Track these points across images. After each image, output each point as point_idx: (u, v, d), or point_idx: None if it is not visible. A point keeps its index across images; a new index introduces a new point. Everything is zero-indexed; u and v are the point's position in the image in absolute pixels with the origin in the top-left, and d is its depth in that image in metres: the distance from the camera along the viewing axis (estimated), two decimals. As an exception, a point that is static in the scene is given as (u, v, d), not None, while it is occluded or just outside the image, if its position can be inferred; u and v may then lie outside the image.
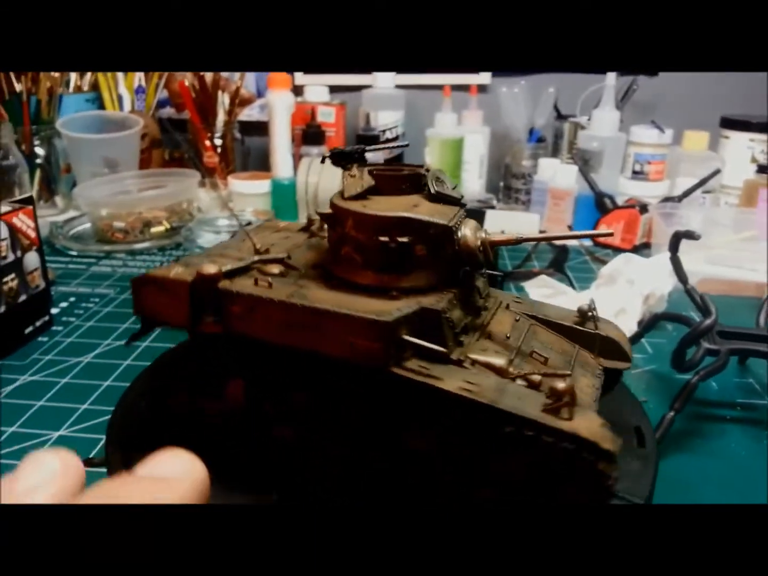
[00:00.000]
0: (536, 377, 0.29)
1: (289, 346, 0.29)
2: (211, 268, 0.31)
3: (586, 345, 0.36)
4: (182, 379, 0.35)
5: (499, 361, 0.30)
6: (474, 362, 0.30)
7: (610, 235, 0.34)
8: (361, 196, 0.33)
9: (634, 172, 1.07)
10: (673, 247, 0.52)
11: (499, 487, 0.28)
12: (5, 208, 0.61)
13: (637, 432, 0.36)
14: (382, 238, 0.31)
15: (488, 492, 0.28)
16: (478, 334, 0.33)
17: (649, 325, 0.57)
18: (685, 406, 0.48)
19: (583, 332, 0.36)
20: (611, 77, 0.98)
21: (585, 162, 0.97)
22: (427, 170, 0.35)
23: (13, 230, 0.60)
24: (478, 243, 0.32)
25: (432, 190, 0.33)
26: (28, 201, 0.64)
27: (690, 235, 0.49)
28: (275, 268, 0.34)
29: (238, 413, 0.33)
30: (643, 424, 0.37)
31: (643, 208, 0.92)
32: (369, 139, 1.10)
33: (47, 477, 0.19)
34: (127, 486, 0.20)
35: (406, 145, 0.41)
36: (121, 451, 0.34)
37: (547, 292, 0.65)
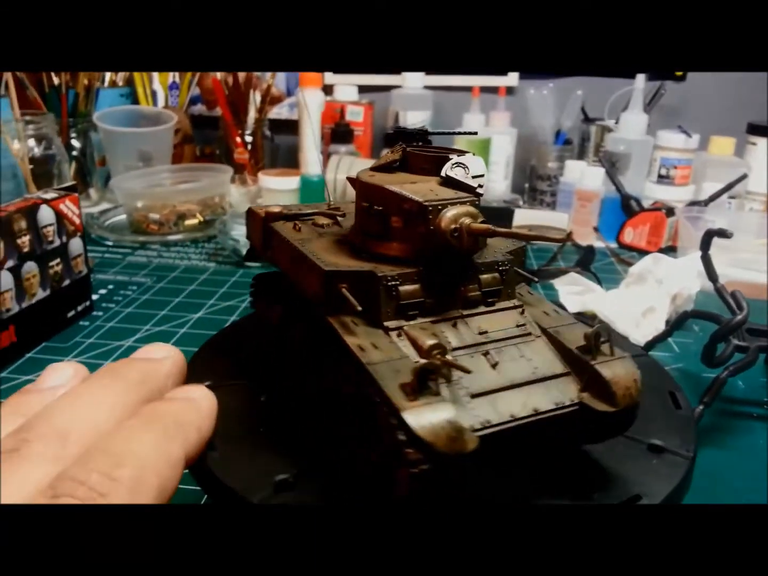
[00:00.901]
0: (436, 362, 0.29)
1: (293, 280, 0.35)
2: (275, 209, 0.37)
3: (582, 373, 0.32)
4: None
5: (427, 341, 0.30)
6: (402, 334, 0.32)
7: (568, 236, 0.33)
8: (384, 169, 0.35)
9: (660, 176, 1.07)
10: (705, 245, 0.53)
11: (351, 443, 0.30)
12: (52, 195, 0.63)
13: (672, 396, 0.38)
14: (365, 204, 0.33)
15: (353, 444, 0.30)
16: (452, 322, 0.33)
17: (678, 322, 0.58)
18: (714, 401, 0.49)
19: (578, 359, 0.32)
20: (640, 80, 0.99)
21: (612, 164, 0.98)
22: (460, 155, 0.35)
23: (60, 216, 0.62)
24: (452, 227, 0.32)
25: (443, 173, 0.34)
26: (72, 189, 0.66)
27: (722, 233, 0.50)
28: (323, 221, 0.37)
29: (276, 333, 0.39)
30: (676, 389, 0.38)
31: (670, 212, 0.92)
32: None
33: (65, 379, 0.24)
34: (121, 367, 0.25)
35: (475, 133, 0.42)
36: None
37: (576, 289, 0.66)
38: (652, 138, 1.03)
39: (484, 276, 0.35)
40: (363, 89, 1.20)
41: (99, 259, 0.83)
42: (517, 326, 0.34)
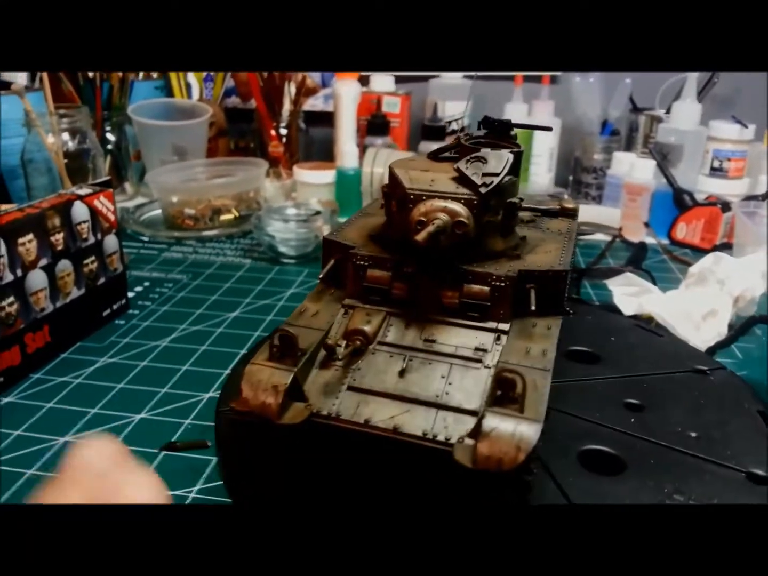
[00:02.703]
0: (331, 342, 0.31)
1: None
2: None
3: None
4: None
5: (356, 325, 0.32)
6: (348, 313, 0.34)
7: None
8: (436, 154, 0.37)
9: (713, 169, 1.02)
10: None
11: None
12: (86, 191, 0.61)
13: (763, 416, 0.36)
14: (383, 186, 0.36)
15: None
16: (408, 321, 0.33)
17: (745, 327, 0.55)
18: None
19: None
20: (693, 69, 0.94)
21: (663, 156, 0.93)
22: (494, 149, 0.34)
23: (94, 213, 0.61)
24: (417, 219, 0.32)
25: (456, 165, 0.33)
26: (107, 184, 0.64)
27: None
28: None
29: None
30: (767, 408, 0.36)
31: (725, 206, 0.88)
32: (435, 129, 1.08)
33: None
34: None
35: (549, 128, 0.41)
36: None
37: (631, 290, 0.62)
38: (706, 129, 0.98)
39: (471, 286, 0.32)
40: (400, 79, 1.17)
41: (135, 255, 0.82)
42: (475, 349, 0.31)
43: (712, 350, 0.56)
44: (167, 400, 0.50)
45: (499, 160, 0.33)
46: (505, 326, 0.32)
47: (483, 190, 0.32)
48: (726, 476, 0.30)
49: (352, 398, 0.29)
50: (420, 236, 0.30)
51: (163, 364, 0.56)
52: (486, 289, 0.32)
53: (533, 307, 0.31)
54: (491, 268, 0.32)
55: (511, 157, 0.33)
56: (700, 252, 0.85)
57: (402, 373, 0.30)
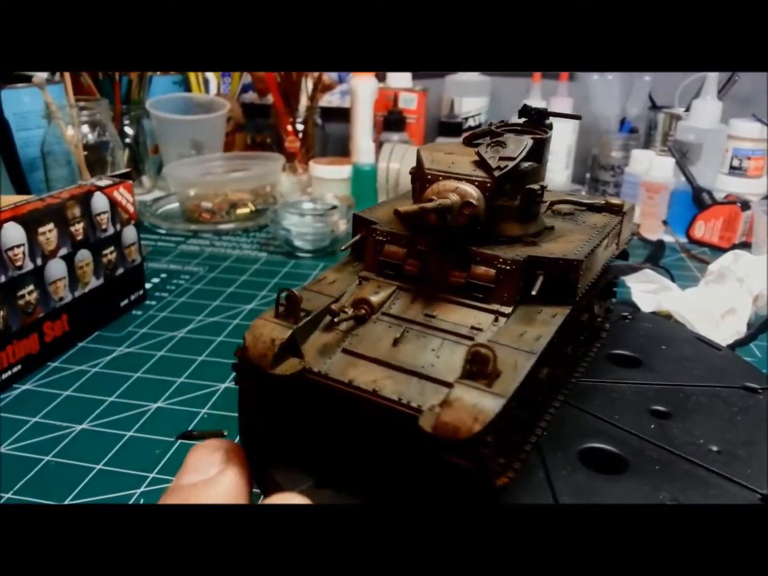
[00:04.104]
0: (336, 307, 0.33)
1: None
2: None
3: None
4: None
5: (363, 294, 0.34)
6: (362, 284, 0.36)
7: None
8: (468, 138, 0.37)
9: (732, 168, 1.01)
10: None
11: None
12: (106, 182, 0.62)
13: None
14: (411, 168, 0.37)
15: None
16: (413, 295, 0.34)
17: (764, 326, 0.54)
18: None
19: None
20: (714, 66, 0.93)
21: (683, 155, 0.92)
22: (519, 134, 0.35)
23: (114, 204, 0.61)
24: (428, 197, 0.33)
25: (476, 149, 0.34)
26: (127, 176, 0.65)
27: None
28: None
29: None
30: None
31: (745, 205, 0.87)
32: (452, 125, 1.08)
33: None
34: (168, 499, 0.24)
35: (578, 117, 0.41)
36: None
37: (650, 287, 0.61)
38: (726, 127, 0.97)
39: (478, 267, 0.33)
40: (417, 76, 1.16)
41: (152, 248, 0.83)
42: (471, 328, 0.31)
43: (731, 348, 0.55)
44: (183, 390, 0.51)
45: (518, 144, 0.33)
46: (506, 309, 0.32)
47: (497, 173, 0.32)
48: (737, 494, 0.29)
49: (343, 360, 0.31)
50: (404, 208, 0.31)
51: (179, 355, 0.56)
52: (492, 271, 0.32)
53: (534, 292, 0.31)
54: (500, 252, 0.33)
55: (530, 142, 0.32)
56: (718, 251, 0.84)
57: (396, 343, 0.31)
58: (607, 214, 0.40)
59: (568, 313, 0.32)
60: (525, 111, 0.36)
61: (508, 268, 0.32)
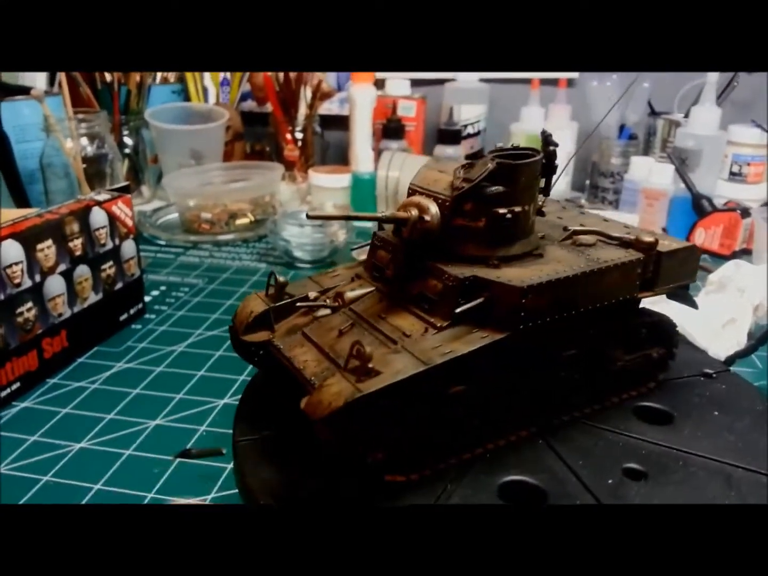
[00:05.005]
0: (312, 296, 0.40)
1: None
2: None
3: None
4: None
5: (341, 289, 0.38)
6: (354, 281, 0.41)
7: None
8: (469, 158, 0.39)
9: (732, 174, 1.01)
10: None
11: None
12: (105, 196, 0.62)
13: None
14: None
15: None
16: (381, 296, 0.38)
17: (765, 337, 0.54)
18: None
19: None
20: (713, 73, 0.93)
21: (682, 161, 0.92)
22: (492, 155, 0.36)
23: (112, 218, 0.61)
24: (398, 209, 0.36)
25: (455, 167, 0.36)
26: (125, 189, 0.65)
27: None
28: None
29: None
30: None
31: (745, 212, 0.86)
32: (451, 133, 1.07)
33: None
34: None
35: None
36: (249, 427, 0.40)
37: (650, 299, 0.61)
38: (725, 133, 0.96)
39: (430, 280, 0.35)
40: (415, 83, 1.16)
41: (152, 259, 0.83)
42: (402, 334, 0.34)
43: (732, 359, 0.55)
44: (182, 406, 0.50)
45: (481, 168, 0.34)
46: (441, 323, 0.33)
47: (455, 193, 0.34)
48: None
49: (297, 340, 0.36)
50: (312, 213, 0.35)
51: (178, 370, 0.56)
52: (440, 285, 0.34)
53: (457, 311, 0.33)
54: (451, 269, 0.34)
55: (491, 166, 0.33)
56: (718, 258, 0.84)
57: (340, 334, 0.35)
58: (632, 251, 0.38)
59: (503, 338, 0.32)
60: (542, 134, 0.38)
61: (450, 284, 0.33)
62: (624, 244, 0.39)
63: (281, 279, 0.39)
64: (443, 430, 0.34)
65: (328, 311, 0.38)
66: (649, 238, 0.38)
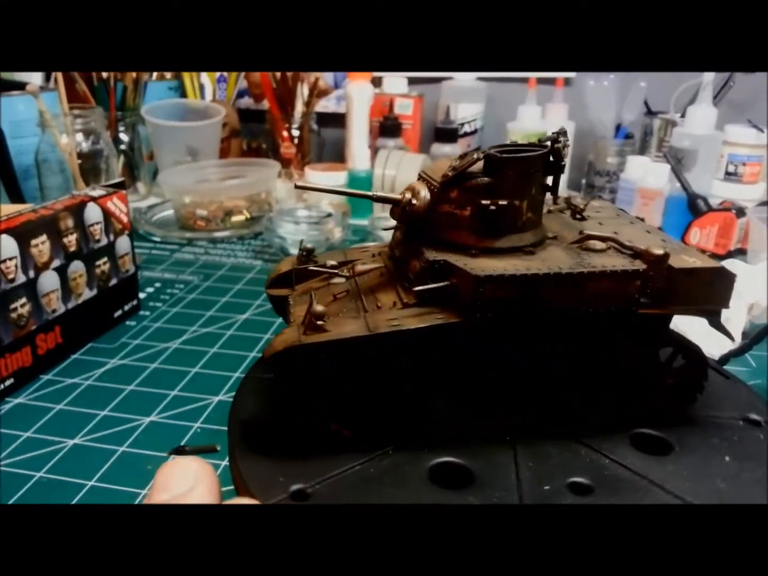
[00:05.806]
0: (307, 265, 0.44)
1: None
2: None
3: None
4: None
5: (357, 266, 0.41)
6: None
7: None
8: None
9: (727, 174, 1.01)
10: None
11: None
12: (99, 192, 0.61)
13: None
14: None
15: None
16: (381, 271, 0.40)
17: (760, 336, 0.54)
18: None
19: None
20: (709, 72, 0.93)
21: (678, 161, 0.92)
22: (488, 150, 0.36)
23: (107, 214, 0.61)
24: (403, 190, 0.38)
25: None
26: (121, 185, 0.64)
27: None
28: None
29: None
30: None
31: (740, 212, 0.87)
32: (448, 132, 1.07)
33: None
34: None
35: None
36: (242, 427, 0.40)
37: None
38: (722, 133, 0.97)
39: (414, 260, 0.37)
40: (412, 81, 1.16)
41: (146, 256, 0.82)
42: (376, 306, 0.36)
43: (726, 358, 0.55)
44: (177, 403, 0.50)
45: (470, 161, 0.35)
46: (409, 300, 0.35)
47: (440, 180, 0.36)
48: None
49: (305, 300, 0.39)
50: (299, 184, 0.38)
51: (173, 366, 0.56)
52: (418, 265, 0.36)
53: (415, 289, 0.35)
54: (431, 253, 0.36)
55: (475, 158, 0.35)
56: (713, 258, 0.84)
57: (334, 298, 0.38)
58: (638, 262, 0.35)
59: (457, 323, 0.34)
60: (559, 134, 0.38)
61: (422, 265, 0.35)
62: (635, 254, 0.36)
63: (308, 246, 0.44)
64: (386, 399, 0.36)
65: (342, 280, 0.41)
66: (658, 251, 0.35)
